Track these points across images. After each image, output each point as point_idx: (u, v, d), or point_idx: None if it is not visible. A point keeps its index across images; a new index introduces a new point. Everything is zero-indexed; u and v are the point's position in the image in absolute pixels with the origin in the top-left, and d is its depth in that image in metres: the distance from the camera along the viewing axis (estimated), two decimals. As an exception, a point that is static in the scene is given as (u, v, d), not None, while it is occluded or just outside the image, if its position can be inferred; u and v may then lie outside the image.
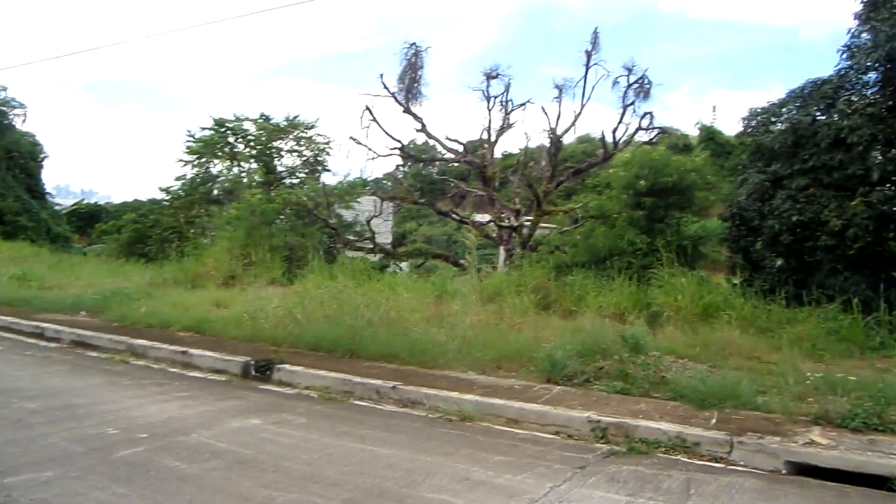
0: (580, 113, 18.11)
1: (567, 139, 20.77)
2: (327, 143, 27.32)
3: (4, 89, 31.38)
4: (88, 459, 4.37)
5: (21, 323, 10.14)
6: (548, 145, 18.76)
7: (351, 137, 18.19)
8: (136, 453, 4.53)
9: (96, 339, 8.89)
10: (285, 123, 26.79)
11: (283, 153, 27.52)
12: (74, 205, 40.27)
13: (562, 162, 20.36)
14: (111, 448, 4.63)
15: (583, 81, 17.77)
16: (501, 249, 17.03)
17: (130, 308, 10.46)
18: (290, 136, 27.16)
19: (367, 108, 17.85)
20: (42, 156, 33.51)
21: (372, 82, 26.11)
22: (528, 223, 17.44)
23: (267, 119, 26.77)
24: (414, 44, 17.93)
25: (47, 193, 34.24)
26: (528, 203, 18.32)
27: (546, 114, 18.08)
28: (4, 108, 31.39)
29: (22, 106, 32.23)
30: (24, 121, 32.62)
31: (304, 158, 27.83)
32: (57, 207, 35.51)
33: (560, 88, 18.11)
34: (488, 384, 6.39)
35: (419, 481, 4.12)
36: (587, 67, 17.61)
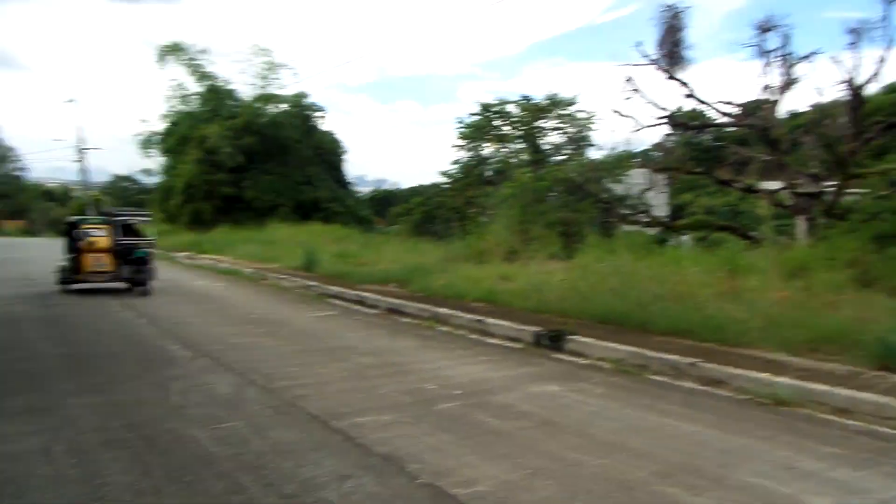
0: (885, 59, 14.91)
1: (870, 90, 17.30)
2: (589, 119, 27.09)
3: (307, 96, 37.32)
4: (415, 409, 5.01)
5: (346, 292, 12.05)
6: (847, 99, 15.84)
7: (614, 110, 17.65)
8: (452, 407, 5.07)
9: (406, 308, 10.14)
10: (546, 102, 27.22)
11: (546, 132, 28.10)
12: (372, 192, 46.46)
13: (867, 117, 17.04)
14: (432, 401, 5.24)
15: (883, 21, 14.59)
16: (801, 219, 14.99)
17: (429, 280, 11.67)
18: (552, 115, 27.56)
19: (629, 79, 17.05)
20: (342, 150, 39.17)
21: (628, 53, 24.99)
22: (831, 189, 15.03)
23: (528, 100, 27.50)
24: (672, 5, 16.59)
25: (350, 183, 39.95)
26: (827, 166, 15.76)
27: (840, 64, 15.25)
28: (309, 112, 37.42)
29: (321, 109, 38.06)
30: (323, 122, 38.53)
31: (567, 135, 28.06)
32: (359, 195, 41.32)
33: (855, 32, 15.11)
34: (803, 367, 5.71)
35: (735, 463, 3.88)
36: (887, 3, 14.37)
